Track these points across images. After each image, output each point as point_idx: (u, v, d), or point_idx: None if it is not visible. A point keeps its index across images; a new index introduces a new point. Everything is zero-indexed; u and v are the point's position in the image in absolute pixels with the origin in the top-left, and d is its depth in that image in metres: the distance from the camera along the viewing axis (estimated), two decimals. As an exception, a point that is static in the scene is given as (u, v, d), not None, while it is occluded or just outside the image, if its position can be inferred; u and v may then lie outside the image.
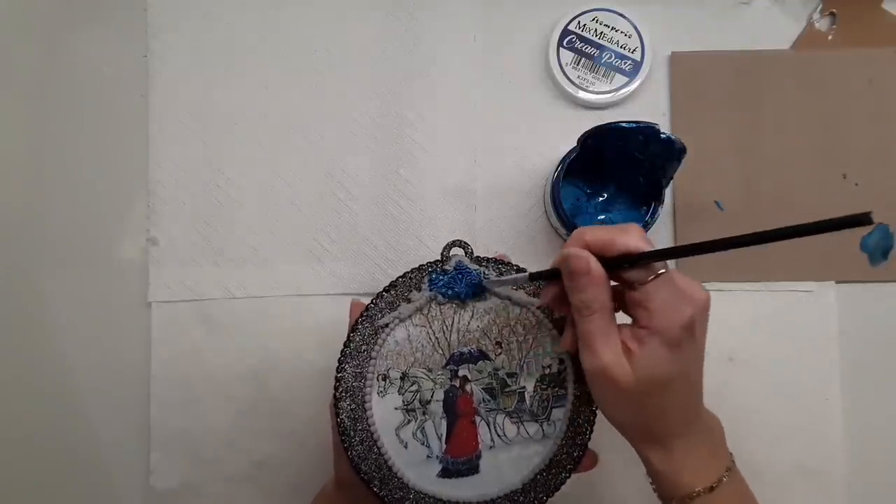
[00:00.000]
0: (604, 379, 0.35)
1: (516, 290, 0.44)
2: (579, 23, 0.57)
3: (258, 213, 0.57)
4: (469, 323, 0.43)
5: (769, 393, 0.56)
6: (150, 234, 0.57)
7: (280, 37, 0.59)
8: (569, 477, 0.43)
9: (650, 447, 0.38)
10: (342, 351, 0.42)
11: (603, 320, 0.35)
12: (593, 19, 0.57)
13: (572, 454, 0.43)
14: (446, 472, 0.43)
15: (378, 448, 0.42)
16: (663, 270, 0.35)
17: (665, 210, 0.56)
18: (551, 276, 0.38)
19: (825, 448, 0.55)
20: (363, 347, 0.43)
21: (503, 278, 0.43)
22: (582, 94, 0.56)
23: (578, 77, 0.56)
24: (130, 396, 0.56)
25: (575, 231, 0.36)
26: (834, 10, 0.58)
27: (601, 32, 0.57)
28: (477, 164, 0.58)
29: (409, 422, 0.43)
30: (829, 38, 0.58)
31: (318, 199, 0.57)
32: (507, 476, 0.43)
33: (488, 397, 0.44)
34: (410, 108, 0.58)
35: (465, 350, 0.43)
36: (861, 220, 0.25)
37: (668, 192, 0.54)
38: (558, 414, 0.44)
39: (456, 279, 0.43)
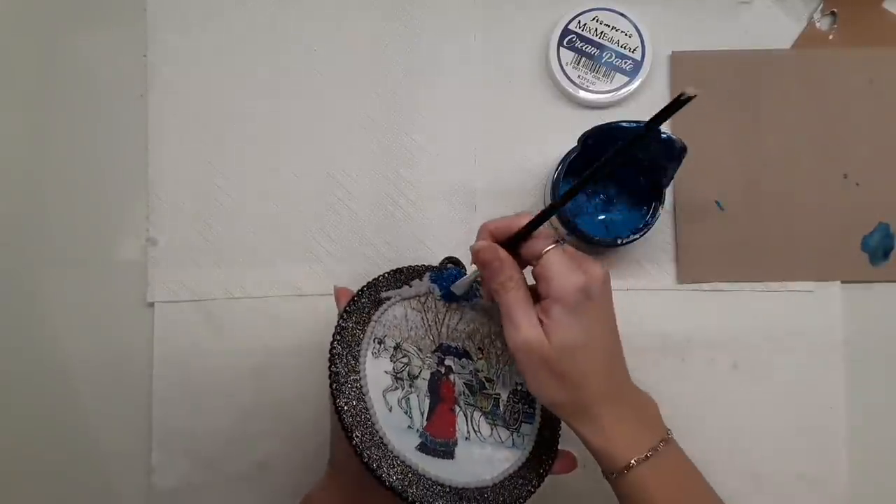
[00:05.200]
0: (526, 351, 0.38)
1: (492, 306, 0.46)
2: (580, 22, 0.57)
3: (258, 213, 0.57)
4: (458, 324, 0.47)
5: (772, 400, 0.56)
6: (150, 234, 0.57)
7: (280, 36, 0.58)
8: (534, 492, 0.45)
9: (581, 421, 0.39)
10: (345, 307, 0.44)
11: (520, 292, 0.39)
12: (594, 19, 0.57)
13: (538, 470, 0.46)
14: (423, 448, 0.45)
15: (364, 402, 0.43)
16: (553, 246, 0.38)
17: (665, 210, 0.56)
18: None
19: (828, 457, 0.55)
20: (366, 309, 0.45)
21: (461, 280, 0.46)
22: (582, 94, 0.56)
23: (579, 77, 0.56)
24: (131, 396, 0.56)
25: (480, 227, 0.41)
26: (834, 10, 0.58)
27: (601, 32, 0.56)
28: (477, 164, 0.58)
29: (396, 388, 0.44)
30: (830, 37, 0.58)
31: (318, 199, 0.57)
32: (479, 471, 0.45)
33: (468, 392, 0.46)
34: (410, 108, 0.58)
35: (452, 345, 0.46)
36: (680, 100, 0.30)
37: (668, 192, 0.54)
38: (527, 430, 0.47)
39: (451, 282, 0.47)
